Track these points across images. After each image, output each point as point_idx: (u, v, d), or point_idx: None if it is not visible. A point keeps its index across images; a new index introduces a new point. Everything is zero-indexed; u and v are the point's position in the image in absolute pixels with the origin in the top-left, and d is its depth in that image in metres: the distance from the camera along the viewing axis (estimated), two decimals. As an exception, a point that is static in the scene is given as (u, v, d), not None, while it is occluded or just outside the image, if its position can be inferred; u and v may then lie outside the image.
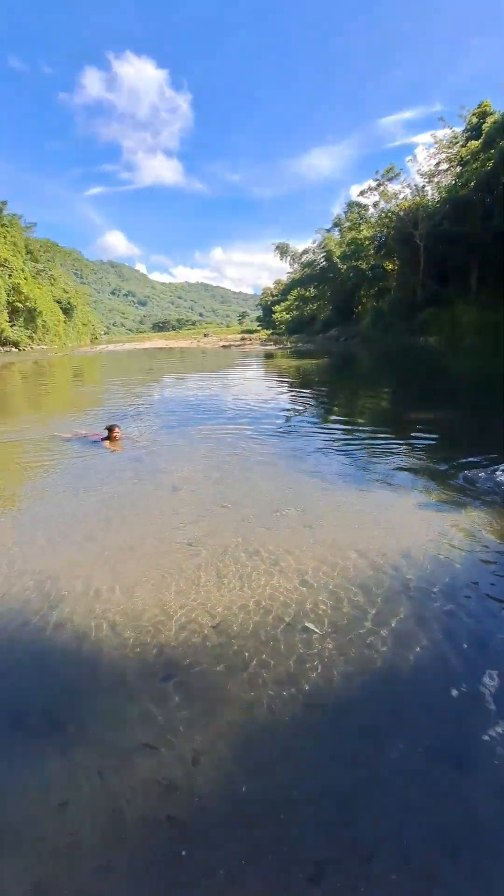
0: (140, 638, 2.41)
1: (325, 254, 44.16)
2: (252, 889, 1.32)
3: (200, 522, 3.80)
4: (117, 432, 6.79)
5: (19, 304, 54.79)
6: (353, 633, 2.40)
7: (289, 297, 60.12)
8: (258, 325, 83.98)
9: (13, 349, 51.33)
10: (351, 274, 39.91)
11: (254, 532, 3.58)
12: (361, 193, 39.61)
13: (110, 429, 6.79)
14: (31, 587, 2.92)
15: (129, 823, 1.50)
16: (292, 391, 12.71)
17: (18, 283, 54.54)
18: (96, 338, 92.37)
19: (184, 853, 1.40)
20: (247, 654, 2.26)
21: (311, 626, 2.48)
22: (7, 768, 1.73)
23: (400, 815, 1.52)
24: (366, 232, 39.82)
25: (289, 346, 40.95)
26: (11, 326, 52.67)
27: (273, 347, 39.97)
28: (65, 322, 71.14)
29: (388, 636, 2.37)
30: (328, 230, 45.19)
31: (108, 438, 6.71)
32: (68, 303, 74.92)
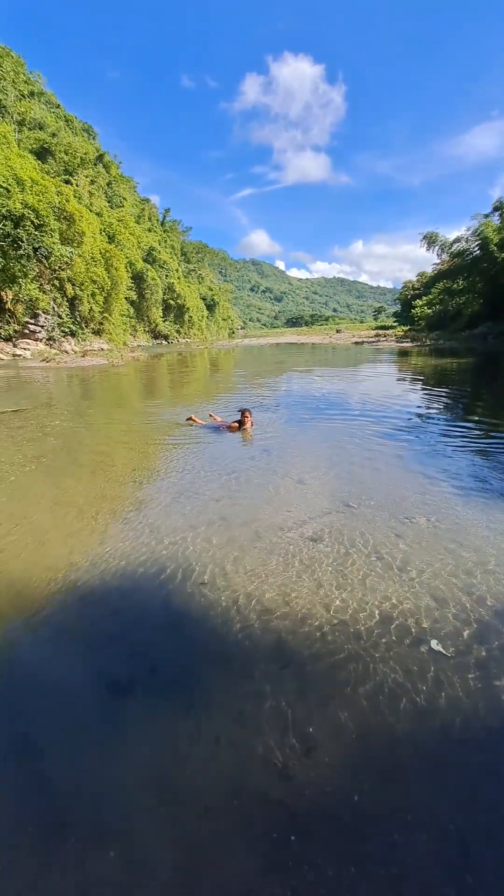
0: (262, 622, 2.51)
1: (479, 241, 39.47)
2: (360, 900, 1.29)
3: (325, 518, 3.78)
4: (248, 416, 7.12)
5: (171, 302, 60.96)
6: (488, 666, 2.15)
7: (432, 290, 55.49)
8: (394, 321, 79.38)
9: (163, 342, 57.39)
10: (510, 263, 35.04)
11: (380, 536, 3.43)
12: (535, 169, 34.27)
13: (243, 412, 7.16)
14: (168, 556, 3.25)
15: (242, 794, 1.59)
16: (427, 391, 11.76)
17: (173, 283, 60.65)
18: (233, 332, 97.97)
19: (293, 839, 1.43)
20: (366, 660, 2.19)
21: (437, 646, 2.29)
22: (142, 711, 1.97)
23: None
24: (535, 213, 34.46)
25: (427, 343, 37.94)
26: (164, 321, 58.87)
27: (409, 345, 37.49)
28: (207, 317, 76.92)
29: (534, 679, 2.07)
30: (486, 215, 40.23)
31: (239, 423, 7.08)
32: (212, 299, 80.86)
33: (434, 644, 2.30)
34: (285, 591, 2.77)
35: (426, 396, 11.03)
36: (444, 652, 2.24)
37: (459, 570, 2.96)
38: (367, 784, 1.61)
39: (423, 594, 2.71)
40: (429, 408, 9.37)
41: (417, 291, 65.65)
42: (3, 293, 26.21)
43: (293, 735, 1.80)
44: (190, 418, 7.93)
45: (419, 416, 8.36)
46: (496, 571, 2.93)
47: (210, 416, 8.12)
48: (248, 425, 7.11)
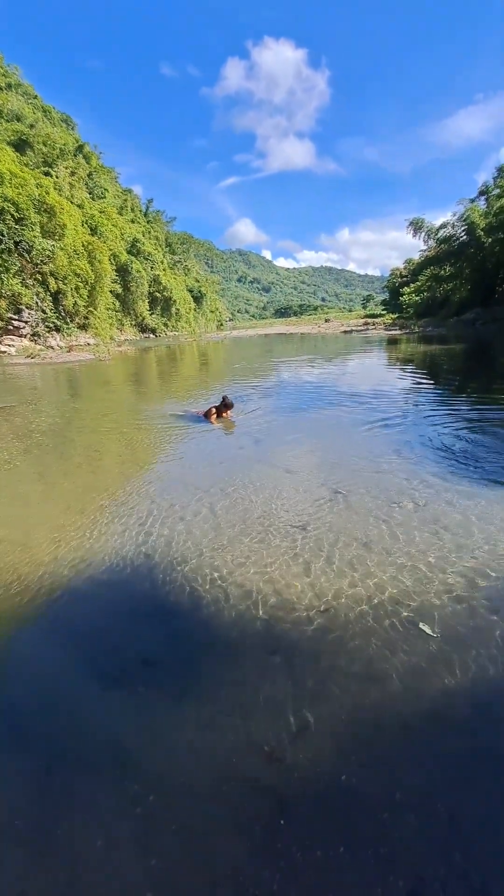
0: (251, 610, 2.50)
1: (466, 227, 39.50)
2: (348, 879, 1.29)
3: (314, 507, 3.77)
4: (228, 401, 7.16)
5: (158, 294, 60.21)
6: (474, 646, 2.16)
7: (420, 277, 55.46)
8: (383, 309, 79.39)
9: (151, 335, 56.78)
10: (497, 248, 35.03)
11: (369, 523, 3.44)
12: (520, 153, 34.27)
13: (224, 398, 7.19)
14: (156, 547, 3.23)
15: (232, 778, 1.58)
16: (416, 379, 11.79)
17: (158, 275, 59.85)
18: (221, 324, 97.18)
19: (282, 822, 1.42)
20: (355, 644, 2.20)
21: (425, 628, 2.30)
22: (132, 702, 1.96)
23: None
24: (521, 197, 34.46)
25: (416, 330, 38.04)
26: (151, 314, 58.18)
27: (398, 332, 37.57)
28: (195, 310, 76.16)
29: (520, 656, 2.08)
30: (472, 200, 40.22)
31: (220, 407, 7.12)
32: (199, 291, 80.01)
33: (422, 626, 2.31)
34: (274, 579, 2.76)
35: (414, 383, 11.06)
36: (431, 633, 2.25)
37: (446, 552, 2.97)
38: (356, 766, 1.61)
39: (410, 578, 2.71)
40: (416, 394, 9.40)
41: (405, 279, 65.61)
42: (-16, 289, 25.68)
43: (282, 720, 1.80)
44: (172, 411, 7.96)
45: (407, 401, 8.38)
46: (482, 553, 2.95)
47: (186, 410, 8.18)
48: (227, 407, 7.19)
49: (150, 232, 68.12)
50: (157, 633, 2.40)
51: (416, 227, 49.47)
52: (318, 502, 3.86)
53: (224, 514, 3.72)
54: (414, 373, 13.02)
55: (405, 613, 2.41)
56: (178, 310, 66.25)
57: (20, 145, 41.77)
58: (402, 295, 60.91)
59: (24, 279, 28.42)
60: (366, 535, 3.25)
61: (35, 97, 63.82)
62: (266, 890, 1.27)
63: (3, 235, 25.09)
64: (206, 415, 7.23)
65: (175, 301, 64.58)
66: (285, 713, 1.83)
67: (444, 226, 44.50)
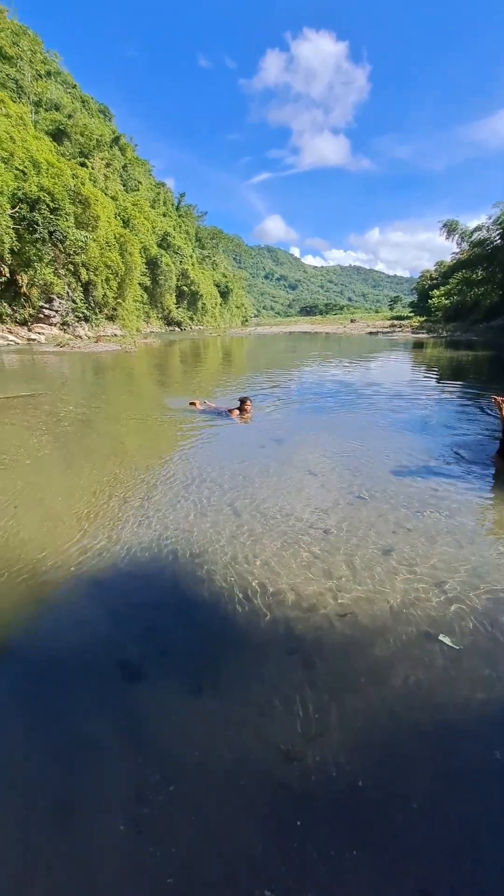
0: (272, 610, 2.54)
1: (501, 230, 38.54)
2: (363, 880, 1.32)
3: (336, 511, 3.78)
4: (248, 405, 7.18)
5: (185, 288, 60.59)
6: (493, 660, 2.15)
7: (450, 280, 54.27)
8: (410, 312, 78.03)
9: (176, 328, 57.24)
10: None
11: (392, 530, 3.43)
12: None
13: (242, 401, 7.22)
14: (178, 543, 3.29)
15: (250, 775, 1.63)
16: (441, 385, 11.59)
17: (187, 269, 60.20)
18: (246, 320, 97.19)
19: (299, 823, 1.46)
20: (374, 651, 2.21)
21: (445, 640, 2.30)
22: (151, 691, 2.02)
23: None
24: None
25: (444, 335, 37.28)
26: (177, 308, 58.61)
27: (425, 336, 36.88)
28: (220, 305, 76.37)
29: (541, 675, 2.07)
30: (511, 203, 39.12)
31: (239, 409, 7.14)
32: (226, 287, 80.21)
33: (442, 637, 2.31)
34: (294, 580, 2.79)
35: (439, 388, 10.88)
36: (452, 645, 2.25)
37: (469, 564, 2.95)
38: (372, 770, 1.64)
39: (432, 588, 2.71)
40: (440, 399, 9.25)
41: (435, 281, 64.31)
42: (18, 277, 26.32)
43: (300, 720, 1.83)
44: (193, 403, 7.99)
45: (432, 407, 8.26)
46: (507, 567, 2.92)
47: (207, 404, 8.17)
48: (247, 410, 7.24)
49: (180, 226, 68.53)
50: (177, 625, 2.46)
51: (450, 228, 48.53)
52: (340, 506, 3.87)
53: (245, 513, 3.76)
54: (439, 378, 12.80)
55: (426, 624, 2.41)
56: (204, 304, 66.58)
57: (58, 135, 42.53)
58: (430, 298, 59.67)
59: (56, 269, 29.00)
60: (387, 542, 3.25)
61: (74, 86, 64.72)
62: (281, 885, 1.31)
63: (38, 224, 25.62)
64: (229, 411, 7.29)
65: (202, 295, 64.91)
66: (303, 714, 1.86)
67: (478, 228, 43.51)
